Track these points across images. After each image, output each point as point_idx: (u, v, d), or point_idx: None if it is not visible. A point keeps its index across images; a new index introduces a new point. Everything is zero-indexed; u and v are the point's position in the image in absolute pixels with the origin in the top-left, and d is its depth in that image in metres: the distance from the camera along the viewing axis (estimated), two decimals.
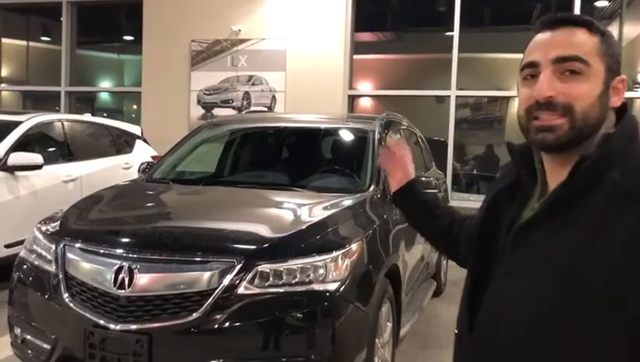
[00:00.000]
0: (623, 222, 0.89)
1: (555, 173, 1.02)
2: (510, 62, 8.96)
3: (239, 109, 8.27)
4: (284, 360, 2.55)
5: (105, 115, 9.99)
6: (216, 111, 8.39)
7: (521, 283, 0.98)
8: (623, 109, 1.04)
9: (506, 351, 0.99)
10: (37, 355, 2.85)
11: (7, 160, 5.10)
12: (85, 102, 10.74)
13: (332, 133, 4.39)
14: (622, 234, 0.89)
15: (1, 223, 5.00)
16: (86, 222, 3.15)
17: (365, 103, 9.06)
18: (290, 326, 2.58)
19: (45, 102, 10.41)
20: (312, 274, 2.61)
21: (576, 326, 0.90)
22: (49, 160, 5.60)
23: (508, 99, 8.46)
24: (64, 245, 2.86)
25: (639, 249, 0.87)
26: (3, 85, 10.52)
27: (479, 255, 1.12)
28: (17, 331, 2.99)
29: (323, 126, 4.49)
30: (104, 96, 11.49)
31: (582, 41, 1.01)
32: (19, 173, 5.20)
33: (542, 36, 1.03)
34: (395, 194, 1.57)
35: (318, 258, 2.64)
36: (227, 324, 2.50)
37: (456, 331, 1.16)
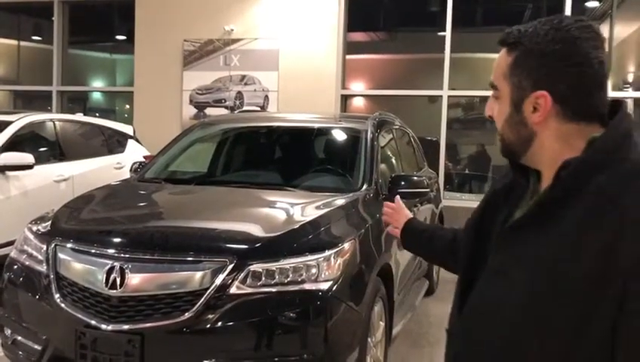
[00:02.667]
0: (602, 229, 0.89)
1: (547, 176, 1.02)
2: None
3: (232, 109, 8.25)
4: (276, 359, 2.54)
5: (97, 114, 9.95)
6: (209, 110, 8.36)
7: (504, 283, 0.99)
8: (615, 110, 1.01)
9: (485, 348, 1.00)
10: (28, 356, 2.84)
11: None
12: (77, 101, 10.68)
13: (325, 132, 4.40)
14: (599, 241, 0.88)
15: None
16: (77, 222, 3.13)
17: (358, 103, 9.07)
18: (283, 326, 2.58)
19: (37, 101, 10.34)
20: (304, 274, 2.61)
21: (553, 328, 0.91)
22: (40, 160, 5.56)
23: None
24: (55, 245, 2.85)
25: (614, 259, 0.87)
26: None
27: (470, 253, 1.14)
28: (8, 332, 2.97)
29: (316, 125, 4.49)
30: (96, 96, 11.43)
31: (499, 65, 1.05)
32: (10, 173, 5.17)
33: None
34: (401, 236, 1.67)
35: (310, 257, 2.64)
36: (219, 324, 2.50)
37: (446, 328, 1.18)
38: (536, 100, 1.00)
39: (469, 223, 1.19)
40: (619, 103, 1.02)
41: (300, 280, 2.60)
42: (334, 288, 2.61)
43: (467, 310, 1.06)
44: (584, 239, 0.90)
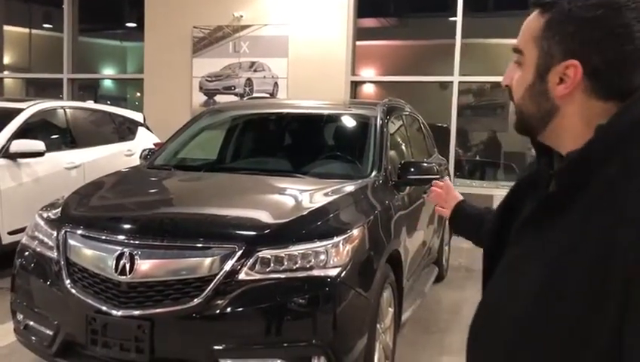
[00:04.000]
0: (603, 225, 0.80)
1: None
2: None
3: (241, 96, 8.24)
4: (285, 345, 2.56)
5: (108, 102, 9.98)
6: (219, 98, 8.35)
7: (510, 280, 0.92)
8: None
9: (489, 347, 0.94)
10: (40, 341, 2.87)
11: (9, 147, 5.09)
12: (88, 89, 10.72)
13: (334, 119, 4.38)
14: (601, 237, 0.80)
15: (3, 210, 5.01)
16: (87, 209, 3.15)
17: (368, 89, 9.01)
18: (292, 312, 2.58)
19: (48, 89, 10.39)
20: (313, 260, 2.61)
21: (554, 328, 0.83)
22: (51, 147, 5.59)
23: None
24: (65, 231, 2.87)
25: (614, 258, 0.77)
26: (6, 73, 10.50)
27: (492, 244, 1.05)
28: (20, 317, 3.01)
29: (325, 112, 4.46)
30: (107, 84, 11.47)
31: (528, 27, 0.94)
32: (21, 161, 5.20)
33: None
34: (450, 218, 1.62)
35: (319, 243, 2.64)
36: (228, 310, 2.51)
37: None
38: (564, 70, 0.89)
39: (496, 213, 1.10)
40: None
41: (308, 266, 2.60)
42: (343, 274, 2.61)
43: (479, 305, 0.99)
44: (587, 236, 0.81)
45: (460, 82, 7.76)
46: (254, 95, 8.05)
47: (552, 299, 0.83)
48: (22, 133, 5.30)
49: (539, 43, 0.91)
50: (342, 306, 2.60)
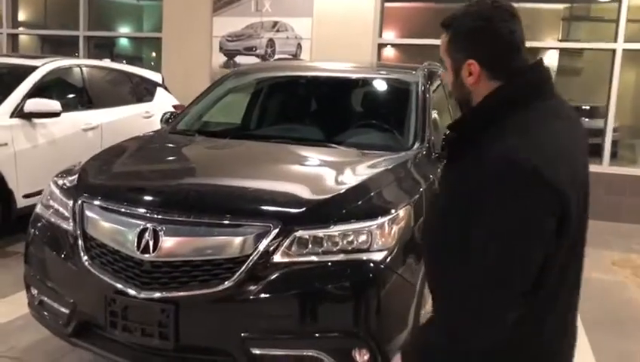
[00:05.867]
0: (471, 162, 1.20)
1: None
2: (544, 12, 8.41)
3: (263, 57, 7.90)
4: (322, 335, 2.30)
5: (124, 61, 9.69)
6: (239, 59, 8.03)
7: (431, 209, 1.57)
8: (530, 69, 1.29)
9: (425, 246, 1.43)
10: (55, 319, 2.66)
11: (23, 106, 4.86)
12: (104, 48, 10.43)
13: (370, 84, 4.05)
14: (451, 184, 1.31)
15: (18, 173, 4.79)
16: (106, 177, 2.88)
17: (393, 53, 8.61)
18: (331, 299, 2.33)
19: (64, 47, 10.09)
20: (355, 242, 2.34)
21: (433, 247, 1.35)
22: (67, 107, 5.37)
23: (535, 53, 7.96)
24: (82, 202, 2.62)
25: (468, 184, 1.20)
26: (21, 29, 10.20)
27: None
28: (34, 292, 2.79)
29: (360, 76, 4.13)
30: (123, 43, 11.16)
31: (442, 43, 1.33)
32: (36, 121, 4.97)
33: None
34: None
35: (362, 224, 2.37)
36: (262, 295, 2.26)
37: None
38: (469, 67, 1.28)
39: None
40: (537, 62, 1.29)
41: (350, 249, 2.34)
42: (389, 259, 2.34)
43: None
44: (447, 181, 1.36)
45: None
46: (277, 57, 7.69)
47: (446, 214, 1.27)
48: (37, 92, 5.06)
49: (449, 53, 1.32)
50: (386, 293, 2.34)
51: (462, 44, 1.28)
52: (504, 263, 1.11)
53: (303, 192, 2.57)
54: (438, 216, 1.31)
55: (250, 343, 2.28)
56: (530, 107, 1.22)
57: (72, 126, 5.37)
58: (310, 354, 2.29)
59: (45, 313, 2.72)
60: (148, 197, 2.52)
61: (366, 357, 2.32)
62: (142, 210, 2.44)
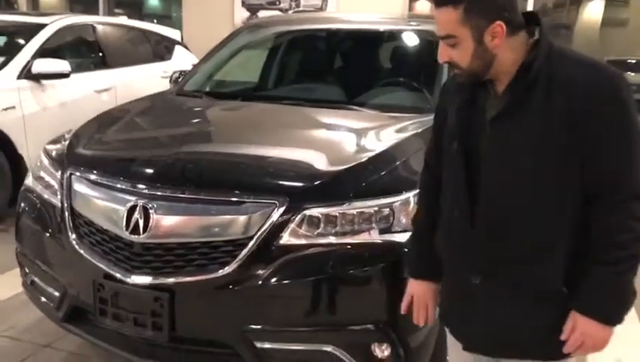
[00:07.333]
0: (557, 106, 1.29)
1: (504, 80, 1.38)
2: None
3: (287, 11, 7.48)
4: (336, 328, 2.01)
5: (154, 20, 9.40)
6: (262, 14, 7.63)
7: (506, 151, 1.36)
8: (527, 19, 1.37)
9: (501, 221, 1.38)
10: (47, 301, 2.43)
11: (31, 67, 4.60)
12: (132, 7, 10.16)
13: (397, 37, 3.63)
14: (559, 116, 1.29)
15: (28, 137, 4.57)
16: (97, 147, 2.58)
17: (424, 7, 8.10)
18: (346, 287, 2.01)
19: (91, 7, 9.82)
20: (375, 221, 2.02)
21: (542, 190, 1.33)
22: (79, 68, 5.11)
23: (578, 4, 7.33)
24: (70, 174, 2.34)
25: (575, 126, 1.28)
26: None
27: (462, 149, 1.42)
28: (26, 270, 2.56)
29: (386, 28, 3.71)
30: (152, 2, 10.90)
31: (448, 20, 1.32)
32: (45, 82, 4.72)
33: (433, 12, 1.35)
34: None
35: (383, 201, 2.04)
36: (267, 282, 1.97)
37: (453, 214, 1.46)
38: (493, 30, 1.31)
39: (446, 134, 1.50)
40: (530, 14, 1.38)
41: (369, 229, 2.01)
42: None
43: (484, 197, 1.39)
44: (548, 119, 1.30)
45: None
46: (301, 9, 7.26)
47: (538, 167, 1.32)
48: (46, 51, 4.79)
49: (466, 24, 1.32)
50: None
51: (484, 8, 1.30)
52: None
53: (316, 163, 2.23)
54: (532, 171, 1.32)
55: (254, 336, 2.00)
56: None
57: (84, 88, 5.11)
58: (325, 349, 2.00)
59: (38, 294, 2.50)
60: (137, 169, 2.21)
61: (387, 353, 2.03)
62: (130, 185, 2.14)
